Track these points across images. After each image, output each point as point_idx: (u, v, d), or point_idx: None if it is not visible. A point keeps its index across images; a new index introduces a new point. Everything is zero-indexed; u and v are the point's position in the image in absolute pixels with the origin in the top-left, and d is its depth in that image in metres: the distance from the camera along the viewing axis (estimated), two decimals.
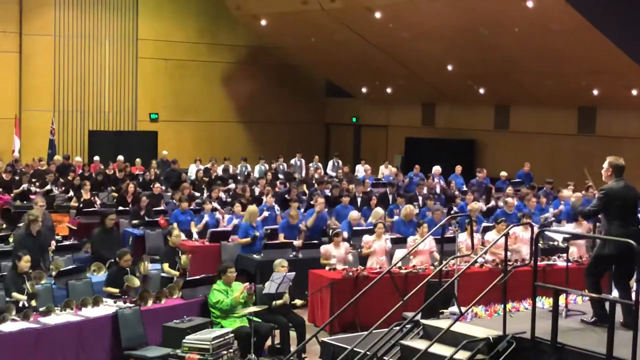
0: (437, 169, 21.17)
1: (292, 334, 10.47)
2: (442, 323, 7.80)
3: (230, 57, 28.46)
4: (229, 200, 17.80)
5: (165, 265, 11.85)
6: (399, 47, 24.14)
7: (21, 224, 12.52)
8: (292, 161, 25.05)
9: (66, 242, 13.61)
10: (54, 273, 11.16)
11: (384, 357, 7.79)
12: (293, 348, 10.13)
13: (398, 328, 8.01)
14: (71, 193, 18.06)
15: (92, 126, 26.15)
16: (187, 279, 10.98)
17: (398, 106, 28.77)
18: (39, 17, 24.91)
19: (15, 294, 9.75)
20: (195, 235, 14.79)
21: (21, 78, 24.94)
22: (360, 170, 23.63)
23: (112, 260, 11.54)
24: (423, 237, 11.85)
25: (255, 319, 10.03)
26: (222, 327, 9.87)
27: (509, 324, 7.36)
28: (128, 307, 9.78)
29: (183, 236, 13.34)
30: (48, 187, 18.54)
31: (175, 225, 14.35)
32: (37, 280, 10.70)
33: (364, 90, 28.87)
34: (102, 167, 21.77)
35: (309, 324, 11.46)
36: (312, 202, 16.45)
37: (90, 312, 9.60)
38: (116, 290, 10.42)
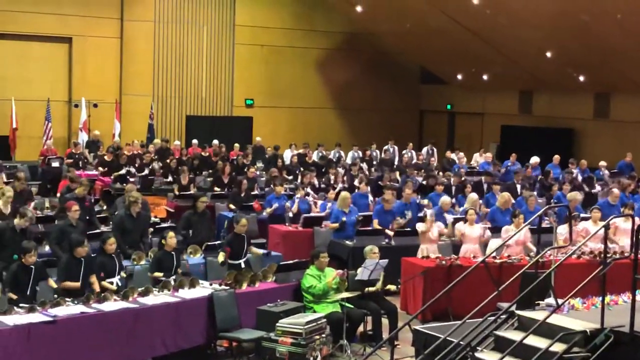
0: (535, 160, 20.79)
1: (384, 321, 10.46)
2: (537, 314, 7.68)
3: (325, 44, 28.53)
4: (322, 186, 17.87)
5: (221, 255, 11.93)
6: (496, 33, 23.74)
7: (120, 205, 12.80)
8: (385, 148, 24.97)
9: (164, 225, 13.90)
10: (151, 255, 11.41)
11: (478, 347, 7.71)
12: (385, 335, 10.13)
13: (492, 318, 7.91)
14: (169, 177, 18.47)
15: (189, 111, 26.65)
16: (281, 263, 11.09)
17: (494, 93, 28.31)
18: (139, 4, 25.48)
19: (104, 283, 9.96)
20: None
21: (122, 63, 25.58)
22: (453, 158, 23.39)
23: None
24: (518, 227, 11.66)
25: (347, 305, 10.06)
26: (314, 311, 9.91)
27: (607, 317, 7.20)
28: (223, 289, 9.93)
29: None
30: (146, 170, 19.00)
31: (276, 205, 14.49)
32: (137, 261, 10.98)
33: (459, 77, 28.53)
34: (200, 151, 22.15)
35: (401, 312, 11.42)
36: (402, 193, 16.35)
37: (187, 293, 9.78)
38: (160, 275, 10.47)
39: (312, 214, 14.97)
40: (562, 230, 12.38)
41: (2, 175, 16.59)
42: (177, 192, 17.01)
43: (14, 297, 9.09)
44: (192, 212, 12.93)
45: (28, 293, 9.22)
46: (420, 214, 13.56)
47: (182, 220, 12.94)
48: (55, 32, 24.23)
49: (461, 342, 7.66)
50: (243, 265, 11.37)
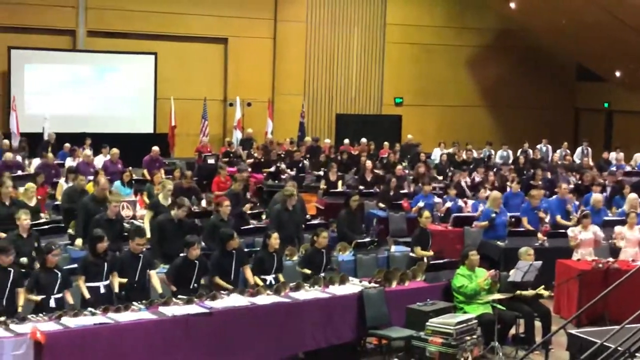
0: None
1: (537, 323, 10.23)
2: None
3: (476, 41, 28.14)
4: (472, 185, 17.64)
5: (418, 248, 11.97)
6: None
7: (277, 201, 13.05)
8: (538, 147, 24.35)
9: (314, 221, 14.09)
10: (303, 251, 11.59)
11: (637, 354, 7.42)
12: (538, 338, 9.91)
13: None
14: (318, 174, 18.71)
15: (339, 109, 26.89)
16: (431, 262, 11.04)
17: None
18: (293, 5, 25.93)
19: (257, 278, 10.18)
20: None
21: (275, 63, 26.10)
22: (611, 158, 22.53)
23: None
24: None
25: (499, 306, 9.90)
26: (465, 312, 9.82)
27: None
28: (373, 287, 9.99)
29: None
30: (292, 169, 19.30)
31: (421, 205, 14.48)
32: (290, 256, 11.19)
33: (617, 74, 27.41)
34: (351, 149, 22.30)
35: (554, 315, 11.15)
36: (555, 190, 15.93)
37: (337, 289, 9.90)
38: (308, 272, 10.55)
39: (462, 214, 14.80)
40: None
41: (161, 170, 17.28)
42: (324, 187, 17.15)
43: (174, 288, 9.44)
44: (346, 210, 13.03)
45: (191, 287, 9.55)
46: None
47: (339, 218, 13.09)
48: (212, 33, 25.00)
49: (619, 348, 7.39)
50: None
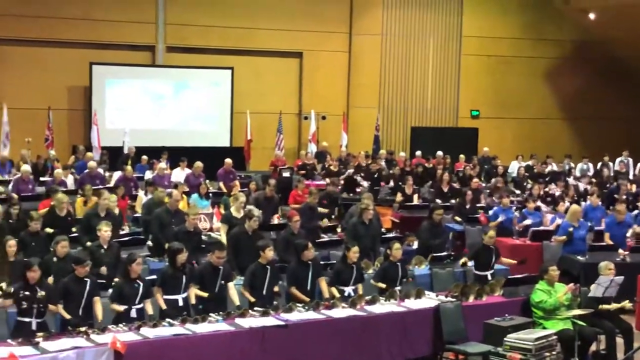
0: None
1: (619, 340, 9.98)
2: None
3: (554, 53, 27.73)
4: (551, 199, 17.34)
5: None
6: None
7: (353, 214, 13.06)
8: (620, 159, 23.79)
9: (389, 235, 14.03)
10: (377, 264, 11.54)
11: None
12: (620, 355, 9.67)
13: None
14: (394, 187, 18.61)
15: (414, 122, 26.77)
16: (509, 277, 10.87)
17: None
18: (367, 18, 25.95)
19: (334, 289, 10.16)
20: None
21: (349, 76, 26.16)
22: None
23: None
24: None
25: (579, 322, 9.69)
26: (544, 328, 9.64)
27: None
28: (450, 301, 9.89)
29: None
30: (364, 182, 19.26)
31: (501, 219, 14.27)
32: (365, 269, 11.16)
33: None
34: (425, 162, 22.16)
35: (637, 332, 10.85)
36: (638, 204, 15.56)
37: (413, 303, 9.84)
38: (383, 285, 10.43)
39: (540, 228, 14.55)
40: None
41: (236, 182, 17.47)
42: (399, 200, 17.05)
43: (252, 299, 9.50)
44: (429, 222, 12.90)
45: (264, 292, 9.62)
46: None
47: (421, 230, 12.93)
48: (287, 47, 25.20)
49: None
50: (490, 278, 11.29)
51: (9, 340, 7.97)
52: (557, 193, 17.68)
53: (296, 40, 25.13)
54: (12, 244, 9.88)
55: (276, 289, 9.82)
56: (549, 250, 13.77)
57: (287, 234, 11.72)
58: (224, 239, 11.79)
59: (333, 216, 15.53)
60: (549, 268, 10.20)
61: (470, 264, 11.79)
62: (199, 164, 17.61)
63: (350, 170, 19.50)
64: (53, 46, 22.77)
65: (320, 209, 14.54)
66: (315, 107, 24.95)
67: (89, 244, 10.81)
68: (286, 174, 20.26)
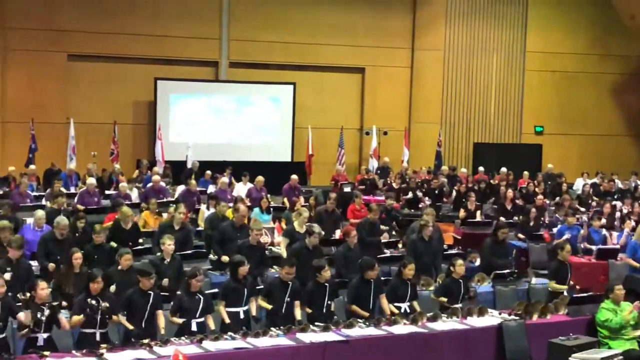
0: None
1: None
2: None
3: (620, 68, 27.30)
4: (619, 216, 16.99)
5: (553, 282, 11.55)
6: None
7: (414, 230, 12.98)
8: None
9: (451, 251, 13.89)
10: (439, 280, 11.41)
11: None
12: None
13: None
14: (457, 203, 18.46)
15: (476, 138, 26.57)
16: (574, 295, 10.66)
17: None
18: (431, 33, 25.88)
19: (392, 306, 10.09)
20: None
21: (411, 92, 26.09)
22: None
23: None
24: None
25: None
26: (609, 347, 9.46)
27: None
28: (513, 319, 9.75)
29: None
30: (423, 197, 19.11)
31: (564, 239, 13.97)
32: (425, 286, 11.06)
33: None
34: (487, 178, 21.93)
35: None
36: None
37: (475, 321, 9.72)
38: (444, 300, 10.36)
39: (607, 246, 14.26)
40: None
41: (300, 198, 17.49)
42: (462, 216, 16.89)
43: (309, 310, 9.52)
44: (492, 239, 12.73)
45: (324, 310, 9.63)
46: None
47: (484, 247, 12.72)
48: (349, 62, 25.26)
49: None
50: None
51: (73, 352, 8.08)
52: (625, 211, 17.32)
53: (358, 56, 25.17)
54: (77, 256, 10.03)
55: (332, 305, 9.82)
56: (614, 268, 13.49)
57: (345, 249, 11.68)
58: (284, 253, 11.83)
59: (393, 232, 15.43)
60: (614, 287, 10.02)
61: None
62: (260, 179, 17.71)
63: (413, 188, 19.36)
64: (119, 62, 23.22)
65: (382, 226, 14.47)
66: (377, 122, 24.93)
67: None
68: (347, 189, 20.22)
